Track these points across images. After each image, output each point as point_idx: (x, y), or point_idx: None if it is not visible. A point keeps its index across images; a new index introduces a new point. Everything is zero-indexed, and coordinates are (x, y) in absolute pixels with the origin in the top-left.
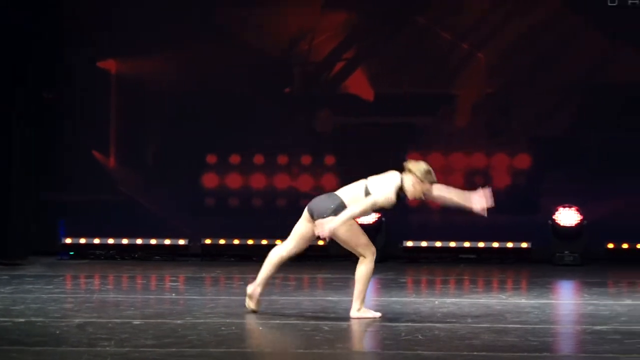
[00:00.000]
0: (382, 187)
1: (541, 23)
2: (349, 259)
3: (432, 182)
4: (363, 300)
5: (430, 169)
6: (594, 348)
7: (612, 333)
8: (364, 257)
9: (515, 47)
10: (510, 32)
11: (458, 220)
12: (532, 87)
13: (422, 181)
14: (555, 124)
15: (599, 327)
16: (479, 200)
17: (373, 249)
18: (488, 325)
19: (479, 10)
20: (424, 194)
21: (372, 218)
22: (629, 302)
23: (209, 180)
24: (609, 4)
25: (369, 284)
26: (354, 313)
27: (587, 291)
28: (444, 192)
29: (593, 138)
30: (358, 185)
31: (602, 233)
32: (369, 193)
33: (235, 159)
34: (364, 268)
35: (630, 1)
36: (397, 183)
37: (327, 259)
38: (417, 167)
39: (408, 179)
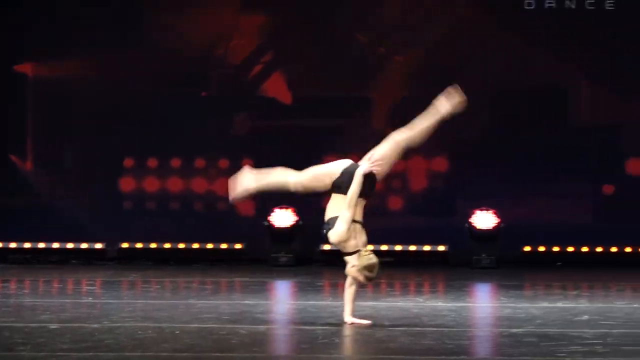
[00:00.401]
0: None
1: (458, 26)
2: (264, 264)
3: (366, 278)
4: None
5: (375, 270)
6: (510, 351)
7: (528, 336)
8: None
9: (432, 50)
10: (427, 35)
11: (375, 224)
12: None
13: (358, 269)
14: (472, 126)
15: (515, 330)
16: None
17: (301, 182)
18: (405, 329)
19: (396, 13)
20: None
21: (289, 222)
22: (545, 304)
23: (126, 183)
24: (526, 7)
25: (274, 181)
26: None
27: (503, 294)
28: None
29: (510, 141)
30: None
31: (518, 236)
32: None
33: (152, 162)
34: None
35: (547, 4)
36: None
37: (245, 262)
38: (366, 258)
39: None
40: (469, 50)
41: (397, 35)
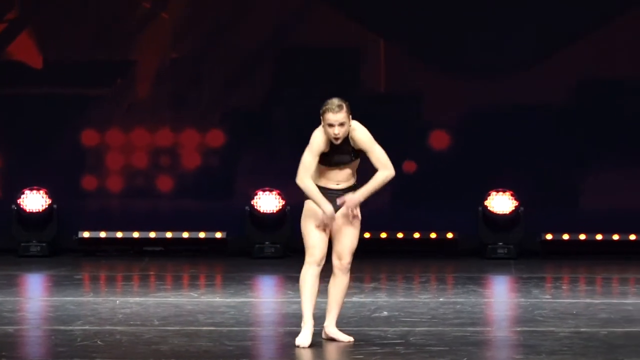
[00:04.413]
0: None
1: None
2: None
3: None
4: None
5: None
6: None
7: (320, 335)
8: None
9: (202, 6)
10: None
11: (141, 207)
12: (223, 52)
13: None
14: (249, 94)
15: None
16: None
17: (313, 255)
18: (178, 328)
19: None
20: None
21: (41, 205)
22: None
23: None
24: None
25: (303, 292)
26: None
27: (290, 287)
28: None
29: (291, 109)
30: None
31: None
32: None
33: None
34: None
35: None
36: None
37: None
38: None
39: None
40: (240, 7)
41: None
